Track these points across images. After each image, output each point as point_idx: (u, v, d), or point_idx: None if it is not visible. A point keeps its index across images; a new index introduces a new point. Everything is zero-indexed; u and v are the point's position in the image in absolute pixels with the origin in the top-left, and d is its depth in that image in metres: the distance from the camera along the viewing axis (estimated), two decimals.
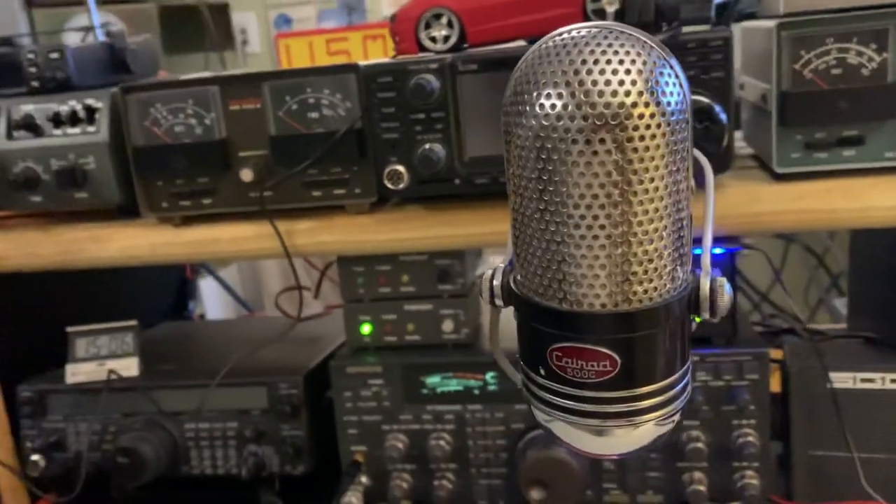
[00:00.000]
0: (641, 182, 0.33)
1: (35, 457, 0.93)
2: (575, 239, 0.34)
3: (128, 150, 0.82)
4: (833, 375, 0.82)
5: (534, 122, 0.34)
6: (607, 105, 0.32)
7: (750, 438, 0.80)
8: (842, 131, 0.74)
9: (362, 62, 0.78)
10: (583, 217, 0.34)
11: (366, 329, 0.89)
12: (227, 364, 0.93)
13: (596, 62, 0.32)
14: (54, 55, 0.86)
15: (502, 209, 0.78)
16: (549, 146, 0.33)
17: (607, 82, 0.32)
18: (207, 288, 2.15)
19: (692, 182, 0.36)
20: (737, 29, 0.91)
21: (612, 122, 0.32)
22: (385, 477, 0.88)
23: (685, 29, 0.74)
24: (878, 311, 1.09)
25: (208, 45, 2.58)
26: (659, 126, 0.33)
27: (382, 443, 0.87)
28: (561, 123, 0.33)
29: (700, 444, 0.80)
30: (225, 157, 0.81)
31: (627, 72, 0.32)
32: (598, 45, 0.33)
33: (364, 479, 0.88)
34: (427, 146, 0.75)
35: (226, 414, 0.91)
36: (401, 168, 0.77)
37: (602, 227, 0.34)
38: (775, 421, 0.87)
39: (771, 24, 0.73)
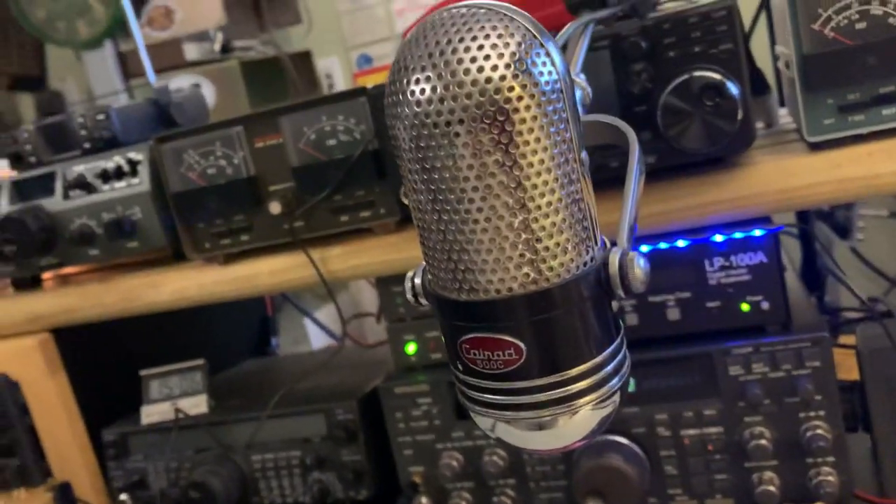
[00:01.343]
0: (524, 157, 0.32)
1: (123, 496, 0.98)
2: (468, 224, 0.33)
3: (168, 197, 0.86)
4: None
5: (408, 112, 0.33)
6: (475, 83, 0.31)
7: (819, 431, 0.74)
8: (877, 89, 0.68)
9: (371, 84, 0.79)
10: (471, 201, 0.32)
11: (411, 348, 0.88)
12: (288, 395, 0.95)
13: (461, 40, 0.31)
14: (101, 116, 0.92)
15: None
16: (427, 133, 0.32)
17: (473, 59, 0.31)
18: (311, 325, 2.21)
19: (583, 154, 0.34)
20: None
21: (483, 100, 0.31)
22: (445, 497, 0.87)
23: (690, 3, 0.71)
24: None
25: (293, 94, 2.68)
26: (532, 97, 0.31)
27: (438, 462, 0.86)
28: (433, 108, 0.32)
29: (764, 441, 0.75)
30: (256, 194, 0.84)
31: (493, 47, 0.31)
32: (464, 23, 0.32)
33: (424, 500, 0.87)
34: None
35: (289, 443, 0.93)
36: None
37: (491, 208, 0.32)
38: (857, 411, 0.80)
39: None
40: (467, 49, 0.31)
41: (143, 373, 1.01)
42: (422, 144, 0.33)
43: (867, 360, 0.76)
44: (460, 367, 0.35)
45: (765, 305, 0.76)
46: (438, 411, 0.86)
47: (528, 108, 0.31)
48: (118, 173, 0.89)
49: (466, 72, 0.31)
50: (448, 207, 0.33)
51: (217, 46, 2.52)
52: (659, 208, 0.72)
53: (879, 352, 0.75)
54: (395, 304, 0.88)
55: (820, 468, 0.75)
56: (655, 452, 0.80)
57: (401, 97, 0.33)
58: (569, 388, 0.34)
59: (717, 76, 0.67)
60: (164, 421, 0.98)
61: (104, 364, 1.06)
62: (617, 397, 0.35)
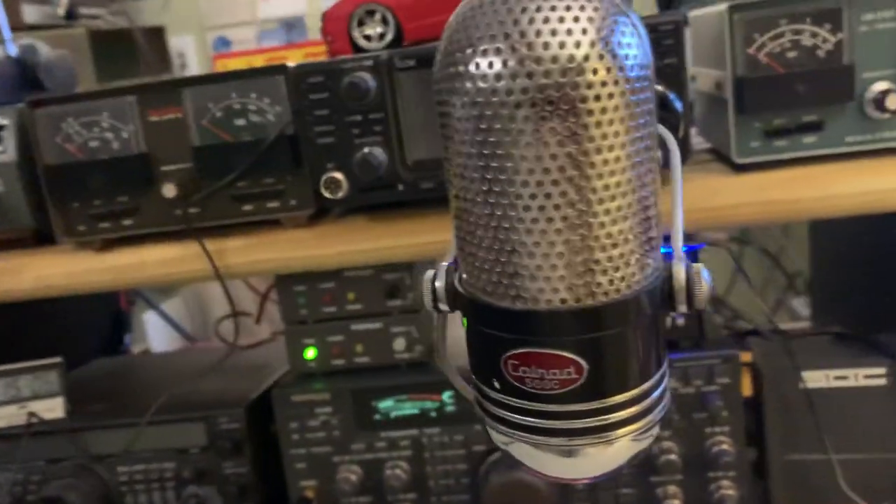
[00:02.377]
0: (599, 152, 0.28)
1: None
2: (526, 223, 0.29)
3: (39, 170, 0.75)
4: (805, 374, 0.78)
5: (470, 87, 0.28)
6: (555, 60, 0.27)
7: (725, 447, 0.76)
8: (801, 117, 0.70)
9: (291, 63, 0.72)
10: (533, 196, 0.28)
11: (310, 353, 0.82)
12: (160, 400, 0.85)
13: (539, 10, 0.27)
14: None
15: None
16: (490, 114, 0.28)
17: (553, 33, 0.27)
18: (151, 321, 2.05)
19: (658, 153, 0.31)
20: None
21: (562, 81, 0.27)
22: None
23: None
24: (844, 305, 1.06)
25: (143, 70, 2.49)
26: (616, 84, 0.28)
27: (334, 475, 0.80)
28: (502, 86, 0.28)
29: (673, 456, 0.76)
30: (146, 173, 0.75)
31: (576, 20, 0.27)
32: None
33: None
34: (366, 150, 0.69)
35: (162, 454, 0.84)
36: (339, 175, 0.71)
37: (555, 206, 0.28)
38: (748, 426, 0.83)
39: (722, 7, 0.69)
40: (547, 20, 0.27)
41: None
42: (483, 126, 0.28)
43: (768, 378, 0.79)
44: (498, 384, 0.31)
45: (680, 321, 0.76)
46: (339, 421, 0.80)
47: (610, 95, 0.28)
48: None
49: (546, 46, 0.27)
50: (505, 202, 0.28)
51: (61, 11, 2.30)
52: None
53: (780, 370, 0.78)
54: (296, 305, 0.81)
55: (721, 482, 0.77)
56: None
57: (462, 69, 0.28)
58: (610, 416, 0.30)
59: (660, 89, 0.66)
60: (11, 426, 0.85)
61: None
62: (656, 431, 0.32)
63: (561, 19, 0.27)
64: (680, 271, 0.31)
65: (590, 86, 0.27)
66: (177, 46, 2.92)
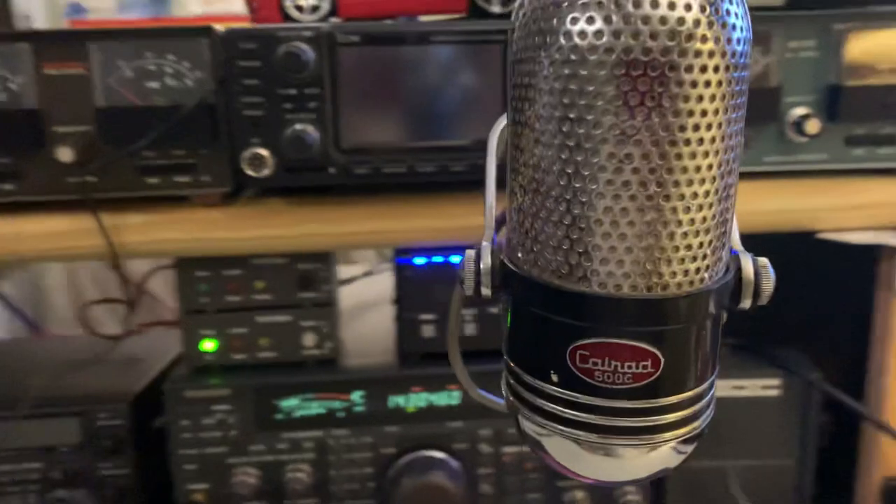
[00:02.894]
0: (696, 129, 0.26)
1: None
2: (606, 200, 0.26)
3: None
4: None
5: (565, 45, 0.25)
6: (664, 22, 0.25)
7: None
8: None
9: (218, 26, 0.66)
10: (618, 171, 0.26)
11: (208, 345, 0.75)
12: (29, 392, 0.75)
13: None
14: None
15: (382, 204, 0.69)
16: (585, 74, 0.25)
17: (655, 3, 0.25)
18: None
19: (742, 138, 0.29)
20: None
21: (669, 45, 0.25)
22: None
23: None
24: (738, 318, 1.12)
25: None
26: (723, 56, 0.26)
27: (229, 479, 0.74)
28: (594, 56, 0.25)
29: None
30: (36, 132, 0.66)
31: None
32: None
33: None
34: (298, 126, 0.64)
35: (24, 453, 0.74)
36: (264, 152, 0.65)
37: (639, 185, 0.26)
38: None
39: None
40: None
41: None
42: (573, 91, 0.25)
43: None
44: (557, 377, 0.28)
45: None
46: (237, 420, 0.74)
47: (716, 68, 0.26)
48: None
49: (654, 4, 0.25)
50: (586, 173, 0.26)
51: None
52: None
53: None
54: (197, 293, 0.74)
55: (626, 487, 0.78)
56: (474, 470, 0.77)
57: (555, 25, 0.25)
58: (663, 417, 0.28)
59: None
60: None
61: None
62: (692, 446, 0.31)
63: None
64: (748, 265, 0.30)
65: (697, 54, 0.25)
66: (22, 8, 2.66)
